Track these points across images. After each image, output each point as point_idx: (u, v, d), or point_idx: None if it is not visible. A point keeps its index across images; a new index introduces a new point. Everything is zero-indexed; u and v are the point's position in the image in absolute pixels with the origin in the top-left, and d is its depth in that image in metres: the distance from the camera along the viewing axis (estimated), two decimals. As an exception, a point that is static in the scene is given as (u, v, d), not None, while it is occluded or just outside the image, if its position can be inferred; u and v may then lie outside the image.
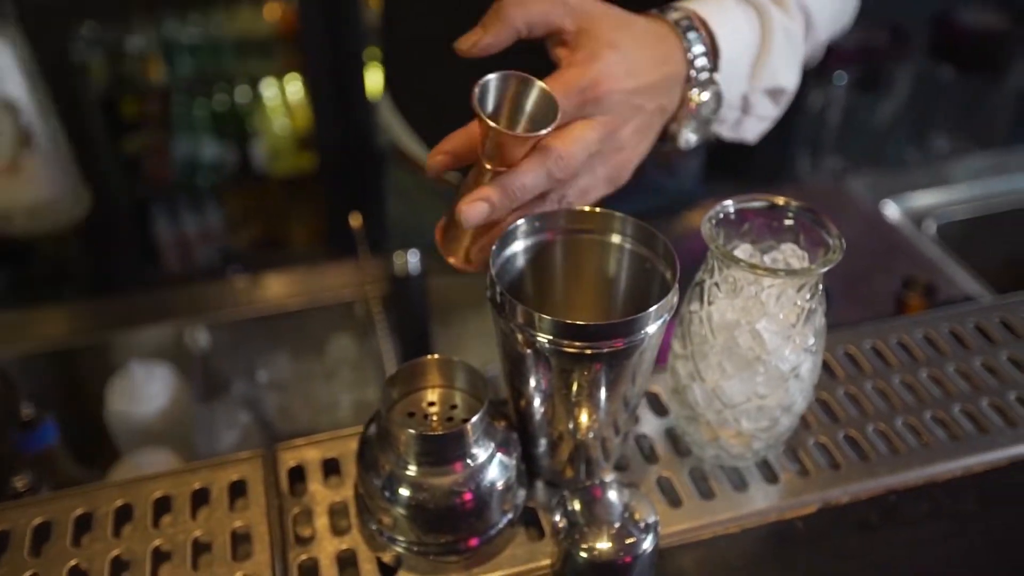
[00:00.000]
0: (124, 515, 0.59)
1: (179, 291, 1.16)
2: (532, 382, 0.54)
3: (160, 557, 0.57)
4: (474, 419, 0.52)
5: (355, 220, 0.98)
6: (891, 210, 1.27)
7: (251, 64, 2.26)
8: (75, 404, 1.10)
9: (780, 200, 0.57)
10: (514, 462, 0.56)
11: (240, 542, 0.58)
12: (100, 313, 1.12)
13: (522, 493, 0.58)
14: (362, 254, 1.00)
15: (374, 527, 0.56)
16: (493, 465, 0.54)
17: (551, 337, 0.49)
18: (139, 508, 0.59)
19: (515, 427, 0.58)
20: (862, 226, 1.22)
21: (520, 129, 0.53)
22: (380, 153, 2.21)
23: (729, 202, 0.57)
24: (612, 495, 0.53)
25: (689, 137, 0.64)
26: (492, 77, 0.52)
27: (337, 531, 0.59)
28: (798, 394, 0.58)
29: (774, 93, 0.68)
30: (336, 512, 0.60)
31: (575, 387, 0.53)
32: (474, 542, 0.55)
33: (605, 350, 0.50)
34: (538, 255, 0.58)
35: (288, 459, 0.63)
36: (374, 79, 2.21)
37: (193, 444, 1.05)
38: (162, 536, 0.57)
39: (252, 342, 1.12)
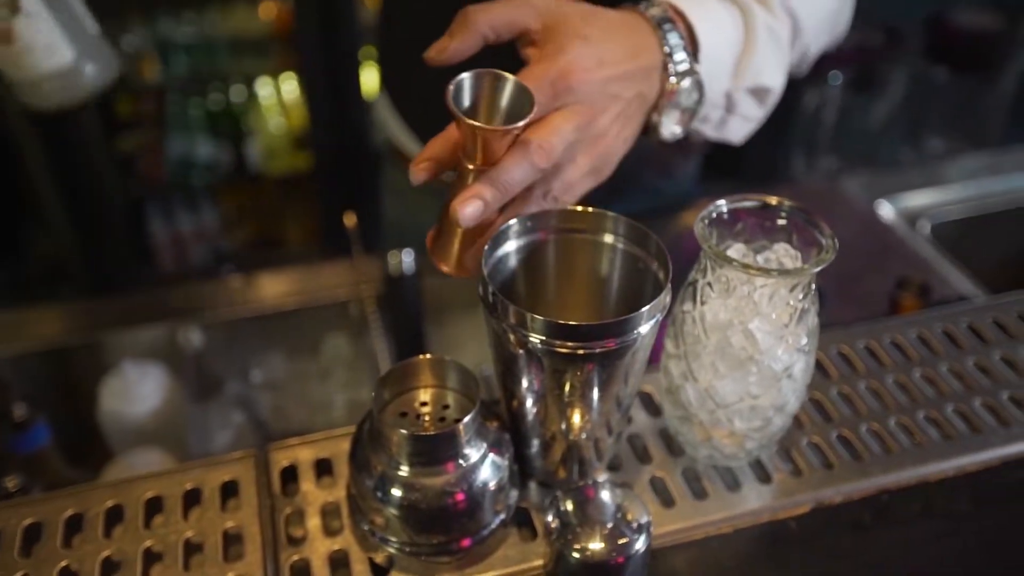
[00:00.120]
0: (115, 516, 0.59)
1: (173, 290, 1.15)
2: (524, 382, 0.53)
3: (151, 558, 0.57)
4: (466, 419, 0.52)
5: (350, 220, 0.98)
6: (885, 210, 1.27)
7: (246, 63, 2.26)
8: (68, 404, 1.09)
9: (773, 200, 0.57)
10: (507, 462, 0.56)
11: (232, 542, 0.58)
12: (93, 312, 1.12)
13: (515, 493, 0.58)
14: (357, 254, 1.00)
15: (366, 527, 0.55)
16: (485, 465, 0.54)
17: (543, 337, 0.49)
18: (130, 508, 0.59)
19: (508, 427, 0.58)
20: (856, 226, 1.22)
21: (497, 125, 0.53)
22: (375, 153, 2.21)
23: (722, 202, 0.57)
24: (605, 495, 0.53)
25: (673, 129, 0.64)
26: (465, 76, 0.51)
27: (329, 532, 0.58)
28: (791, 394, 0.58)
29: (759, 92, 0.68)
30: (328, 512, 0.60)
31: (568, 387, 0.52)
32: (466, 543, 0.55)
33: (597, 350, 0.49)
34: (530, 255, 0.57)
35: (280, 459, 0.63)
36: (369, 78, 2.20)
37: (186, 444, 1.05)
38: (153, 537, 0.57)
39: (246, 342, 1.12)
